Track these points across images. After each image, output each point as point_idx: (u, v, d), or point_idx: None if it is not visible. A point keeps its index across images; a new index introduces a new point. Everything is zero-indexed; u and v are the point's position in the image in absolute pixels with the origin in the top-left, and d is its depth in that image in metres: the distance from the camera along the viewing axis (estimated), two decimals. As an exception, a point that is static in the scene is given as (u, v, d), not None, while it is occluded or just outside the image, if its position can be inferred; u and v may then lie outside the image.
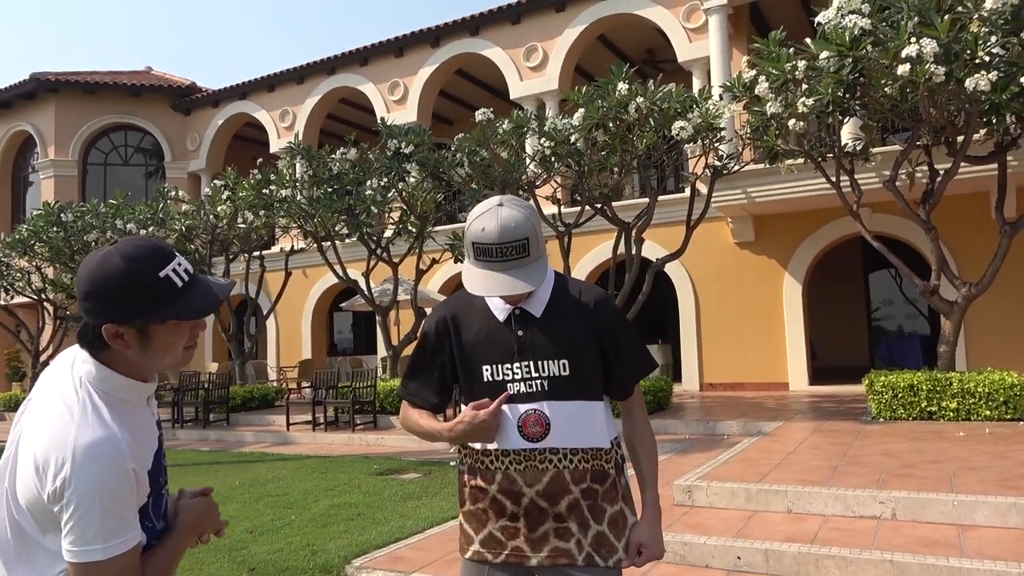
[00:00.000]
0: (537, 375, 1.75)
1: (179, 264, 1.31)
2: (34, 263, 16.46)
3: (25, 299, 18.20)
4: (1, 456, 1.33)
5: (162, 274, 1.28)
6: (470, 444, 1.82)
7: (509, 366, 1.77)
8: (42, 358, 17.87)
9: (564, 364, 1.75)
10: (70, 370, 1.31)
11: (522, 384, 1.76)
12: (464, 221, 1.82)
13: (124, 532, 1.22)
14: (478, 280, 1.70)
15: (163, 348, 1.32)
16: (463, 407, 1.83)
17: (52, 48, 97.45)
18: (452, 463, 7.80)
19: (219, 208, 13.37)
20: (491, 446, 1.77)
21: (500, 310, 1.81)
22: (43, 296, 17.48)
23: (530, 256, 1.68)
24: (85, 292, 1.26)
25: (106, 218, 14.49)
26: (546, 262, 1.75)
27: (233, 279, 1.29)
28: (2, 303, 18.25)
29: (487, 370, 1.79)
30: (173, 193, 15.02)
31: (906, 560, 3.73)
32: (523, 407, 1.75)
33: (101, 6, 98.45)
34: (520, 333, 1.78)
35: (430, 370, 1.87)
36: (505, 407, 1.75)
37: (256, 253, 15.19)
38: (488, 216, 1.67)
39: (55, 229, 14.79)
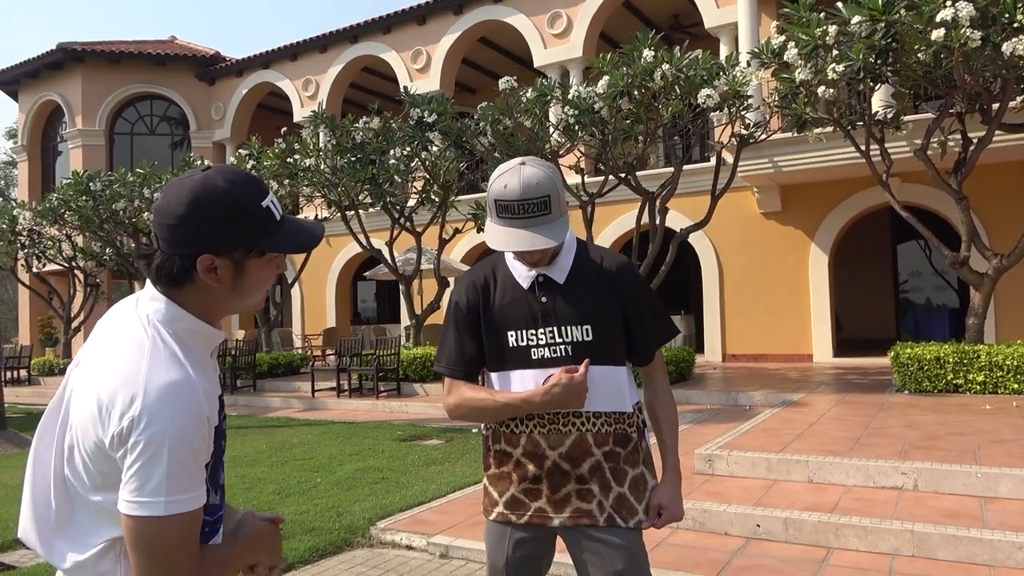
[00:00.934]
0: (561, 340, 1.78)
1: (274, 198, 1.22)
2: (64, 231, 16.74)
3: (56, 267, 18.57)
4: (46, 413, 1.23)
5: (264, 203, 1.19)
6: None
7: (533, 332, 1.79)
8: (73, 324, 18.28)
9: (587, 329, 1.78)
10: (135, 309, 1.20)
11: (546, 349, 1.78)
12: (487, 190, 1.81)
13: (190, 488, 1.08)
14: (500, 236, 1.70)
15: (255, 285, 1.22)
16: (491, 376, 1.86)
17: (77, 19, 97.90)
18: (475, 429, 7.89)
19: (244, 177, 13.46)
20: None
21: (524, 277, 1.83)
22: (74, 264, 17.80)
23: (552, 214, 1.69)
24: (183, 216, 1.13)
25: (134, 187, 14.66)
26: (567, 222, 1.75)
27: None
28: (34, 271, 18.64)
29: (512, 336, 1.81)
30: (198, 163, 15.13)
31: (927, 530, 3.73)
32: (547, 372, 1.77)
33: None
34: (544, 299, 1.80)
35: (468, 338, 1.86)
36: (530, 372, 1.78)
37: (281, 222, 15.30)
38: (510, 174, 1.68)
39: (84, 198, 15.00)
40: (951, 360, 7.74)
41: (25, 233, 17.57)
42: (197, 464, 1.10)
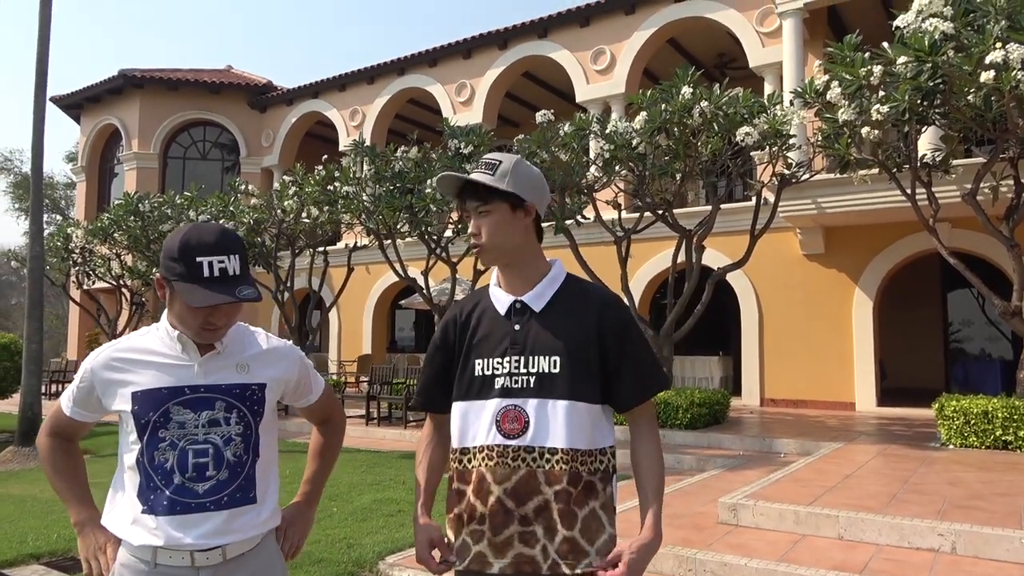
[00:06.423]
0: (526, 371, 1.70)
1: (221, 261, 1.60)
2: (114, 250, 17.23)
3: (105, 284, 19.10)
4: None
5: (199, 260, 1.59)
6: (454, 446, 1.78)
7: (500, 360, 1.73)
8: (118, 341, 18.67)
9: (555, 361, 1.70)
10: None
11: (508, 379, 1.71)
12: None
13: (67, 401, 1.73)
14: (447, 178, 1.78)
15: (179, 313, 1.66)
16: (455, 406, 1.79)
17: (139, 48, 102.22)
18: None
19: (286, 203, 13.70)
20: (470, 444, 1.73)
21: (501, 303, 1.78)
22: (121, 282, 18.28)
23: (494, 176, 1.72)
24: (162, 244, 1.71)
25: (181, 209, 15.04)
26: (515, 184, 1.73)
27: (257, 292, 1.45)
28: (84, 287, 19.19)
29: (479, 364, 1.75)
30: (243, 187, 15.48)
31: (963, 599, 3.48)
32: (504, 402, 1.70)
33: (187, 8, 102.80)
34: (517, 327, 1.74)
35: (433, 371, 1.85)
36: (491, 402, 1.72)
37: (321, 248, 15.52)
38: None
39: (133, 218, 15.44)
40: (1000, 415, 7.35)
41: (78, 251, 18.15)
42: (74, 391, 1.72)
